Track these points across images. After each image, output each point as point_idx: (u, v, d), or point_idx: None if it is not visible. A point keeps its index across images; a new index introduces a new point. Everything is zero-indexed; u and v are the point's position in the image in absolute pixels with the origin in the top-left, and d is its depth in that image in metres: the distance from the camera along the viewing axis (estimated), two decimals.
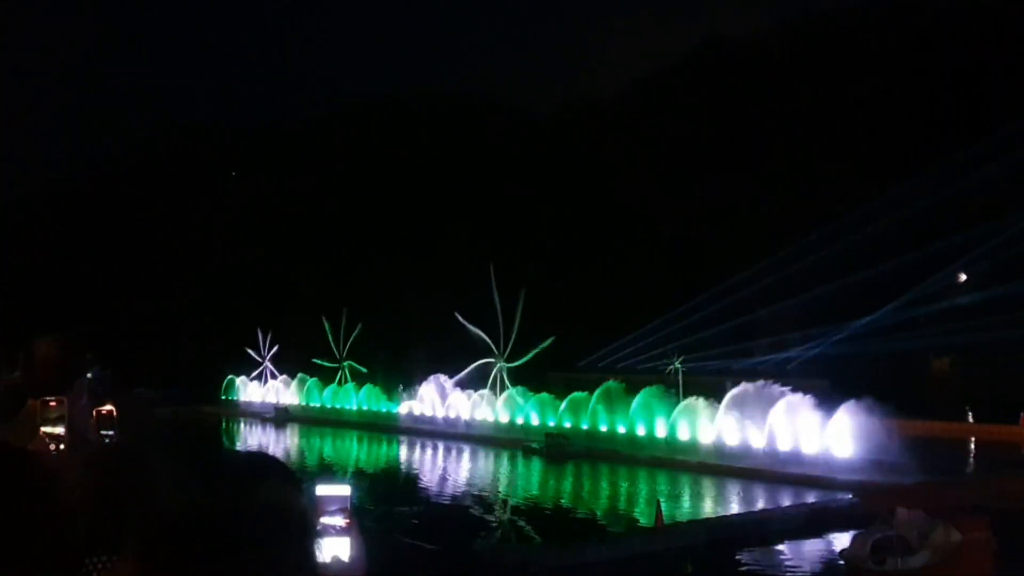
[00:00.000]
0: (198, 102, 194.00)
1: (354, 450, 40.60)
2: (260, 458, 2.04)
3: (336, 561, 2.11)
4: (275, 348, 59.91)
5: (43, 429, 3.16)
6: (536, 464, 32.46)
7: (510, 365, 43.44)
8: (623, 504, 25.96)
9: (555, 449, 33.00)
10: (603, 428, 35.91)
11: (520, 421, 40.02)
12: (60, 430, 3.15)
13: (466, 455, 36.00)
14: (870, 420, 31.39)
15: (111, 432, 3.32)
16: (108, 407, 3.33)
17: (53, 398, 3.19)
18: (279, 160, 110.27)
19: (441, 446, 37.81)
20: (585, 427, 36.52)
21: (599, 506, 25.82)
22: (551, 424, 38.28)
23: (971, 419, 38.48)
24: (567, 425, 37.42)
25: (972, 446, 34.39)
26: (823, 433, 29.36)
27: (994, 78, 76.60)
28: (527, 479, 30.90)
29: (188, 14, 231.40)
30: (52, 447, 3.16)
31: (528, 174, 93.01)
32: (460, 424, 41.31)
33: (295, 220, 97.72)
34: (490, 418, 41.34)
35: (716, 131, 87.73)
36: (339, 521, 2.18)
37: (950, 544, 14.67)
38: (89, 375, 4.13)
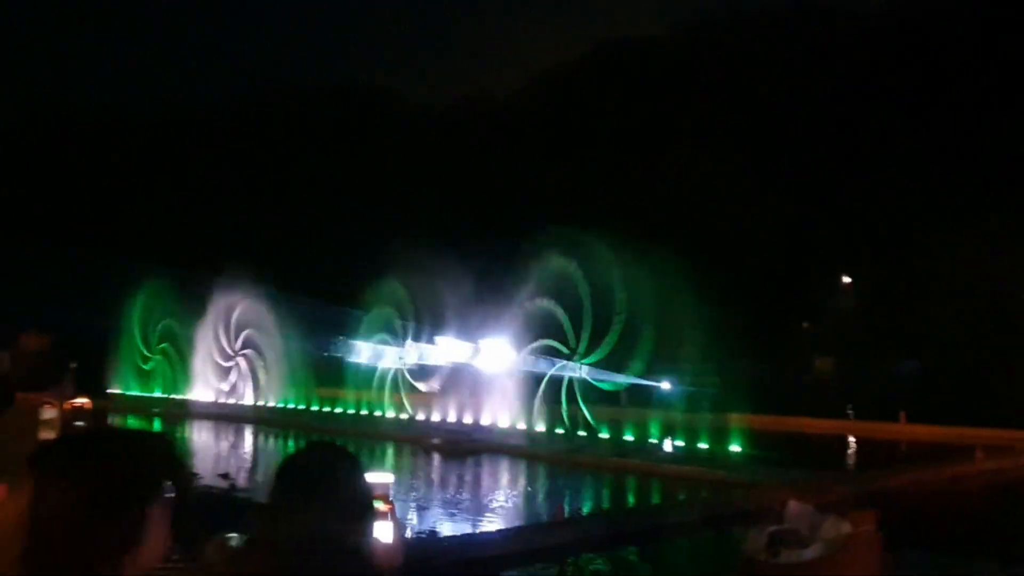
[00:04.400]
0: (78, 87, 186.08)
1: (245, 447, 39.98)
2: (330, 448, 2.24)
3: (378, 543, 2.32)
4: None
5: (41, 433, 3.13)
6: (435, 460, 32.53)
7: (408, 367, 43.66)
8: (522, 498, 26.29)
9: (454, 445, 33.19)
10: (504, 424, 36.52)
11: (421, 416, 40.48)
12: (54, 436, 3.12)
13: (364, 452, 35.87)
14: (759, 417, 32.82)
15: (82, 425, 3.33)
16: (83, 400, 3.35)
17: (47, 401, 3.17)
18: (168, 147, 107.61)
19: (340, 443, 37.46)
20: (486, 423, 37.10)
21: (498, 500, 26.10)
22: (451, 420, 38.84)
23: (852, 417, 40.03)
24: (468, 421, 37.98)
25: (854, 443, 35.85)
26: (712, 430, 30.64)
27: (885, 85, 79.62)
28: (424, 474, 30.96)
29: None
30: None
31: (413, 164, 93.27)
32: (361, 421, 41.35)
33: (181, 208, 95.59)
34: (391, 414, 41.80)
35: (605, 132, 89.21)
36: (382, 506, 2.39)
37: (840, 537, 15.33)
38: (74, 365, 4.12)
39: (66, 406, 3.25)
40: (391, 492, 2.30)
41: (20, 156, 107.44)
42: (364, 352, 46.62)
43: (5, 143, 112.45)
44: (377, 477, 2.33)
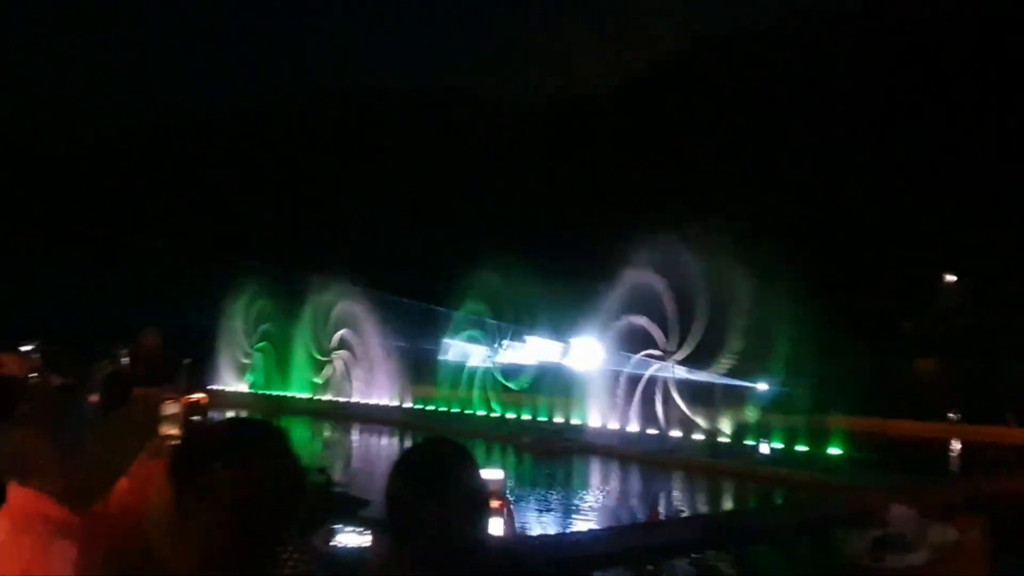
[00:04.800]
0: (177, 87, 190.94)
1: (340, 442, 40.56)
2: (447, 443, 2.23)
3: (492, 538, 2.29)
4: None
5: (161, 428, 3.16)
6: (526, 459, 32.51)
7: (501, 360, 43.81)
8: (615, 499, 26.11)
9: (545, 444, 33.11)
10: (595, 424, 36.41)
11: (512, 415, 40.64)
12: (176, 431, 3.15)
13: None
14: (859, 419, 32.01)
15: (198, 419, 3.35)
16: (200, 395, 3.35)
17: (168, 396, 3.20)
18: (254, 148, 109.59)
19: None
20: (577, 422, 37.06)
21: (590, 500, 25.96)
22: (542, 419, 38.85)
23: (956, 420, 38.75)
24: (559, 420, 37.98)
25: (959, 446, 34.68)
26: (811, 431, 29.96)
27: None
28: (516, 474, 30.92)
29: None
30: (169, 444, 3.15)
31: (507, 164, 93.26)
32: (452, 419, 41.71)
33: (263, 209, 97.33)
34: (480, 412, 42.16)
35: (707, 130, 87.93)
36: (494, 503, 2.37)
37: (947, 542, 14.84)
38: (188, 362, 4.19)
39: (183, 401, 3.27)
40: (504, 489, 2.30)
41: (131, 158, 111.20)
42: (475, 352, 46.61)
43: (110, 145, 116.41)
44: (490, 474, 2.31)
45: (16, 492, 2.98)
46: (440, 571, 2.05)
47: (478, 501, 2.16)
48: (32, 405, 3.48)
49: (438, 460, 2.18)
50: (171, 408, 3.23)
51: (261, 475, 1.83)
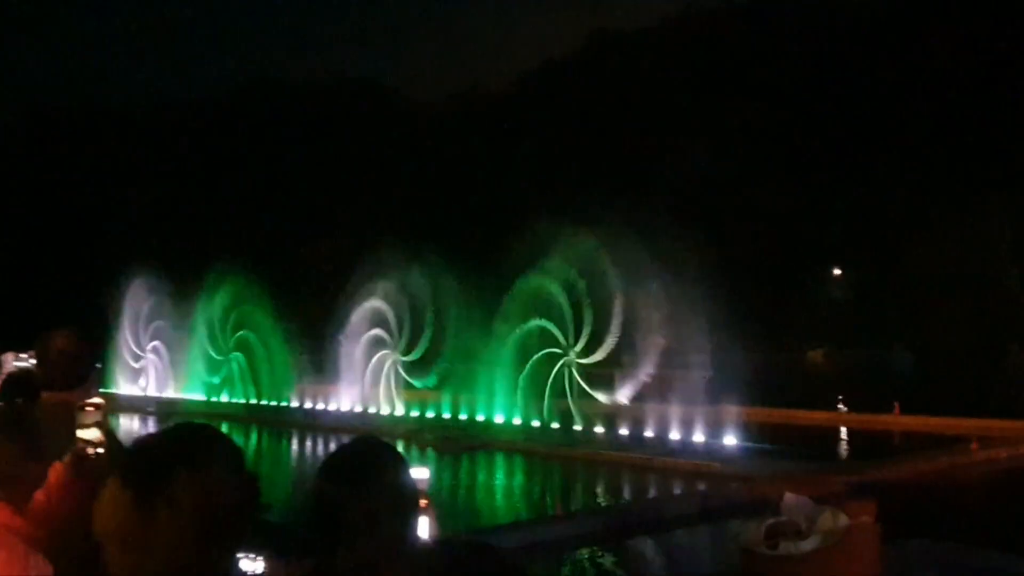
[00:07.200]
0: (59, 84, 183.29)
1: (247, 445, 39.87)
2: (375, 442, 2.23)
3: (420, 538, 2.31)
4: (156, 342, 57.92)
5: (79, 434, 3.08)
6: (429, 457, 32.42)
7: (405, 358, 43.45)
8: (520, 494, 26.29)
9: (449, 442, 33.08)
10: (498, 420, 36.52)
11: (415, 414, 40.47)
12: (97, 434, 3.06)
13: None
14: (753, 409, 32.89)
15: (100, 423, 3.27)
16: (97, 400, 3.25)
17: (91, 402, 3.10)
18: (139, 146, 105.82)
19: (334, 441, 37.35)
20: (481, 418, 37.10)
21: (494, 496, 26.09)
22: (446, 416, 38.79)
23: (845, 409, 40.15)
24: (463, 417, 37.95)
25: (848, 435, 35.89)
26: (709, 422, 30.65)
27: (878, 75, 79.25)
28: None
29: None
30: (91, 451, 3.08)
31: (401, 160, 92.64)
32: (354, 418, 41.30)
33: (164, 211, 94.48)
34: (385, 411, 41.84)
35: (599, 127, 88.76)
36: (422, 501, 2.40)
37: (838, 528, 15.34)
38: (99, 366, 4.08)
39: (81, 405, 3.19)
40: (428, 488, 2.32)
41: (8, 152, 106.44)
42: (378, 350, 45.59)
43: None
44: (416, 473, 2.31)
45: None
46: (375, 574, 2.02)
47: (411, 500, 2.15)
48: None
49: (369, 459, 2.14)
50: (93, 415, 3.13)
51: (224, 481, 1.80)
